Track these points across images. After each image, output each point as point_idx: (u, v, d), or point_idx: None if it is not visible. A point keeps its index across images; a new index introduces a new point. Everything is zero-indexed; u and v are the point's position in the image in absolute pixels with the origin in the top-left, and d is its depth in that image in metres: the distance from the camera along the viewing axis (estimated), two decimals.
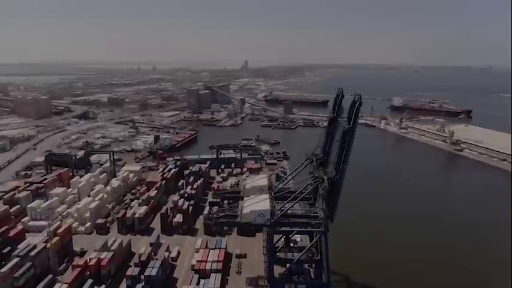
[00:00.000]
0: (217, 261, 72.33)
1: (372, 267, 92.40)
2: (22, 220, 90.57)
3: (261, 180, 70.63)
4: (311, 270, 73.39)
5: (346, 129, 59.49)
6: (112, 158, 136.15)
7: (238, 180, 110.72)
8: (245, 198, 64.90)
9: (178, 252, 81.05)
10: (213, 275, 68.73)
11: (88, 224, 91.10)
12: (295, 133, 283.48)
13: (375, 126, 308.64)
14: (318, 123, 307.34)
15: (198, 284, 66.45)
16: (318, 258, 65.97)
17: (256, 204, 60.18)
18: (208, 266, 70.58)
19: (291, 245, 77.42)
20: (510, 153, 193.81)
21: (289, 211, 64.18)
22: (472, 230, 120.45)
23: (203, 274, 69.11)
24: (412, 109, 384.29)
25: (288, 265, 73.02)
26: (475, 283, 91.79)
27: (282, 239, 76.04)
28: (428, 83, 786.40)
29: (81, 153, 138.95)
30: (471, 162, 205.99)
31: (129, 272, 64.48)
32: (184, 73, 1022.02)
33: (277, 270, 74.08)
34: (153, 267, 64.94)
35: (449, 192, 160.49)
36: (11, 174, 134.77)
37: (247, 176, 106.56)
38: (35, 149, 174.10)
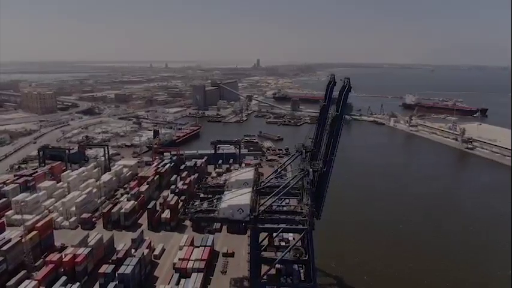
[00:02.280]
0: (201, 259, 67.95)
1: (374, 272, 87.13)
2: (6, 213, 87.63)
3: (246, 173, 65.96)
4: (301, 271, 68.65)
5: (334, 117, 54.31)
6: (107, 152, 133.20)
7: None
8: (226, 192, 60.36)
9: (163, 250, 77.16)
10: (194, 275, 64.38)
11: (73, 219, 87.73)
12: (301, 130, 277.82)
13: (384, 124, 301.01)
14: None
15: (178, 283, 62.36)
16: (306, 258, 60.98)
17: (235, 199, 55.59)
18: (190, 265, 66.23)
19: (283, 244, 72.83)
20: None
21: (273, 207, 59.60)
22: (478, 229, 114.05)
23: (184, 273, 64.91)
24: (424, 107, 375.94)
25: (278, 266, 68.69)
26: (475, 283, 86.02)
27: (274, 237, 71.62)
28: (443, 82, 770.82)
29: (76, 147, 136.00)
30: (483, 161, 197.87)
31: (102, 269, 60.40)
32: (196, 71, 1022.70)
33: (266, 270, 69.81)
34: (128, 265, 60.74)
35: (457, 191, 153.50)
36: (6, 167, 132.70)
37: (235, 170, 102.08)
38: (35, 143, 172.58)
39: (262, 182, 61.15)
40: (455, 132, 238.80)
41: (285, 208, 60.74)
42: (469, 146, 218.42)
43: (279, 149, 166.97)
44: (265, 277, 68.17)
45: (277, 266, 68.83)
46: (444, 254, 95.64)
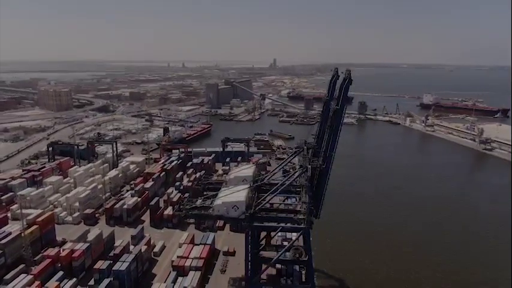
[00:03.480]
0: (199, 258, 66.51)
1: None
2: (11, 207, 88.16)
3: (246, 170, 64.09)
4: (303, 272, 66.45)
5: (335, 111, 51.86)
6: (115, 149, 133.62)
7: None
8: (223, 189, 58.66)
9: (163, 247, 76.14)
10: (191, 273, 62.91)
11: (76, 214, 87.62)
12: (313, 129, 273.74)
13: (399, 123, 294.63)
14: None
15: (175, 281, 61.02)
16: (307, 258, 58.74)
17: (230, 196, 53.77)
18: (188, 263, 64.83)
19: (286, 243, 70.66)
20: None
21: (273, 205, 57.73)
22: (492, 233, 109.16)
23: (182, 271, 63.55)
24: (443, 107, 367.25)
25: (278, 266, 66.67)
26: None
27: (276, 237, 69.63)
28: (463, 82, 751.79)
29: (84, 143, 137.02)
30: (501, 162, 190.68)
31: (97, 265, 59.59)
32: (212, 71, 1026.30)
33: (268, 270, 67.83)
34: (124, 262, 59.72)
35: (470, 192, 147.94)
36: (17, 162, 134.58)
37: (235, 167, 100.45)
38: (47, 139, 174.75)
39: (260, 179, 59.09)
40: (473, 133, 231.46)
41: (281, 206, 58.55)
42: (487, 146, 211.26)
43: (289, 148, 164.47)
44: (264, 277, 66.63)
45: (278, 266, 67.04)
46: (452, 259, 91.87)
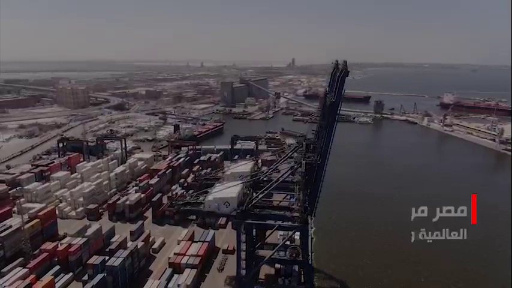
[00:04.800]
0: (196, 255, 65.53)
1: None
2: (17, 201, 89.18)
3: (243, 166, 62.60)
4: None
5: (330, 104, 49.73)
6: (125, 145, 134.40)
7: None
8: (217, 184, 57.33)
9: (163, 244, 75.52)
10: (187, 270, 62.01)
11: (80, 209, 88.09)
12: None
13: (416, 123, 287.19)
14: (354, 118, 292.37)
15: (170, 278, 60.14)
16: (306, 258, 56.85)
17: (222, 192, 52.37)
18: (184, 260, 63.94)
19: (288, 243, 68.81)
20: None
21: (270, 202, 56.20)
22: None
23: (178, 268, 62.66)
24: (464, 107, 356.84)
25: (277, 266, 65.03)
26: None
27: (278, 235, 67.96)
28: (486, 82, 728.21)
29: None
30: None
31: (91, 260, 59.23)
32: (230, 70, 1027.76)
33: (266, 270, 66.30)
34: (118, 257, 59.20)
35: (486, 193, 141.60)
36: (30, 158, 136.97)
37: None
38: (62, 135, 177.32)
39: (254, 175, 57.42)
40: (493, 133, 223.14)
41: (274, 203, 56.77)
42: (508, 147, 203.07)
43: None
44: (262, 277, 65.06)
45: (277, 266, 65.37)
46: (463, 262, 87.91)
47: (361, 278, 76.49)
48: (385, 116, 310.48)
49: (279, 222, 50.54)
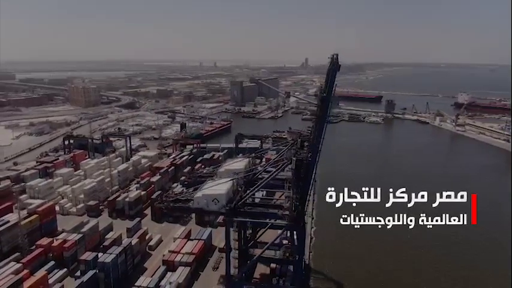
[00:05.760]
0: (190, 253, 65.04)
1: None
2: (20, 197, 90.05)
3: (238, 163, 61.74)
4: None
5: (321, 98, 48.46)
6: (129, 143, 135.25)
7: None
8: (208, 181, 56.63)
9: (160, 241, 75.32)
10: (180, 268, 61.54)
11: (80, 206, 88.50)
12: (336, 127, 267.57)
13: (428, 123, 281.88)
14: (364, 118, 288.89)
15: (163, 276, 59.70)
16: (297, 258, 55.72)
17: (212, 188, 51.60)
18: (178, 258, 63.50)
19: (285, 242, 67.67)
20: None
21: (254, 199, 55.27)
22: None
23: (171, 267, 62.23)
24: (479, 106, 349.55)
25: (272, 265, 64.05)
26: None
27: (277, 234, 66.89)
28: (504, 82, 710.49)
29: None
30: None
31: (83, 256, 59.18)
32: (243, 70, 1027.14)
33: (261, 269, 65.37)
34: (110, 254, 59.01)
35: (495, 194, 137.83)
36: (38, 155, 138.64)
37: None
38: (71, 133, 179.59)
39: (246, 171, 56.45)
40: (507, 133, 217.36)
41: (268, 201, 55.74)
42: None
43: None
44: (257, 276, 64.14)
45: (272, 265, 64.37)
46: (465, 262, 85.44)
47: (359, 279, 74.85)
48: (396, 115, 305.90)
49: (272, 221, 49.29)
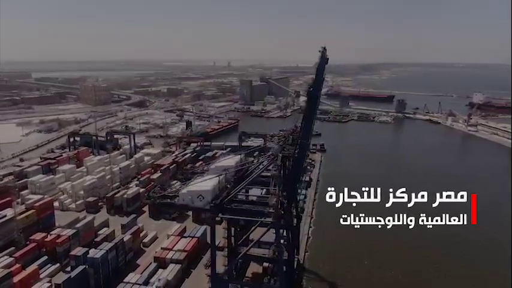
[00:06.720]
0: (182, 251, 64.66)
1: None
2: (21, 193, 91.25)
3: (228, 160, 60.87)
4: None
5: (308, 93, 47.33)
6: (133, 140, 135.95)
7: None
8: (196, 177, 56.00)
9: (155, 238, 75.15)
10: (171, 266, 61.20)
11: (80, 202, 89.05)
12: (345, 127, 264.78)
13: (439, 123, 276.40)
14: (374, 118, 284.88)
15: (154, 273, 59.42)
16: (287, 257, 54.69)
17: (197, 185, 50.96)
18: (169, 255, 63.17)
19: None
20: None
21: (248, 196, 54.36)
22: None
23: (162, 263, 61.90)
24: (494, 107, 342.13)
25: (265, 264, 63.22)
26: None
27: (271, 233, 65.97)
28: None
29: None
30: None
31: (73, 252, 59.26)
32: (255, 69, 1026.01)
33: (255, 268, 64.57)
34: (100, 250, 58.95)
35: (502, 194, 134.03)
36: (44, 152, 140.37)
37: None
38: (79, 131, 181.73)
39: (233, 167, 55.52)
40: None
41: (255, 198, 54.69)
42: None
43: (313, 145, 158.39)
44: (249, 275, 63.39)
45: (265, 264, 63.47)
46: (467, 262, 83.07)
47: (359, 279, 73.37)
48: (407, 115, 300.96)
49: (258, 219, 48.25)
